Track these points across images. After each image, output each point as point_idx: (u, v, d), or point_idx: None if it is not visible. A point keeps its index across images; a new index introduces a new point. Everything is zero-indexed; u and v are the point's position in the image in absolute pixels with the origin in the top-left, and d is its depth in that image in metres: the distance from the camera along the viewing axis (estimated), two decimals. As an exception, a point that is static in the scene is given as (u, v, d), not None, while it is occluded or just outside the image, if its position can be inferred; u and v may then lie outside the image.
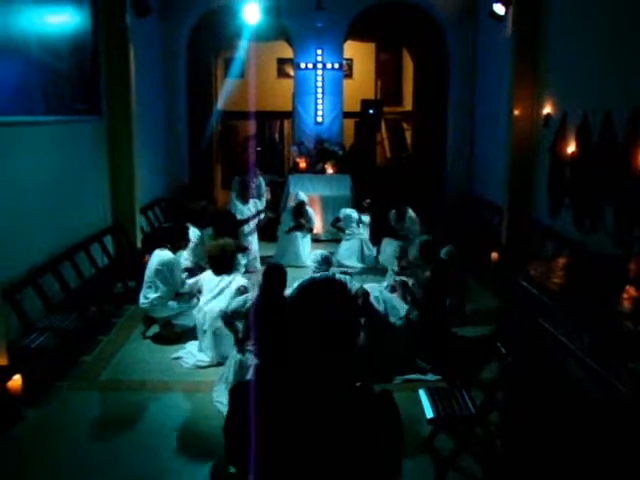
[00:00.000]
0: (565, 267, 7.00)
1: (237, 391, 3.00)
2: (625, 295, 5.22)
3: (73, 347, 6.94)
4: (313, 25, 13.44)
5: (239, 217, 9.98)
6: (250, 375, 5.61)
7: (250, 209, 10.39)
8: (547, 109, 9.42)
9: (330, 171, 13.52)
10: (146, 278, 7.51)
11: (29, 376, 5.66)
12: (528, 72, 9.93)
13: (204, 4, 13.57)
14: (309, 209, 11.14)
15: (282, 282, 5.94)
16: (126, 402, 6.03)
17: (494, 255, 9.85)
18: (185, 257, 8.35)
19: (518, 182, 10.10)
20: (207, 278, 7.11)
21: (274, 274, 5.92)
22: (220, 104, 15.89)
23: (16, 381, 5.49)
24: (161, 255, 7.50)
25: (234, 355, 5.93)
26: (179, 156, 14.04)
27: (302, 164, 13.79)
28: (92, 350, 7.18)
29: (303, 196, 11.15)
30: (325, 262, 6.97)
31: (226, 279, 6.94)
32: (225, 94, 15.99)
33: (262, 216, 10.57)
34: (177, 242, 7.87)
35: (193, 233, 8.55)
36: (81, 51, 8.79)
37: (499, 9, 11.13)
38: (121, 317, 8.25)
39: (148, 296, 7.42)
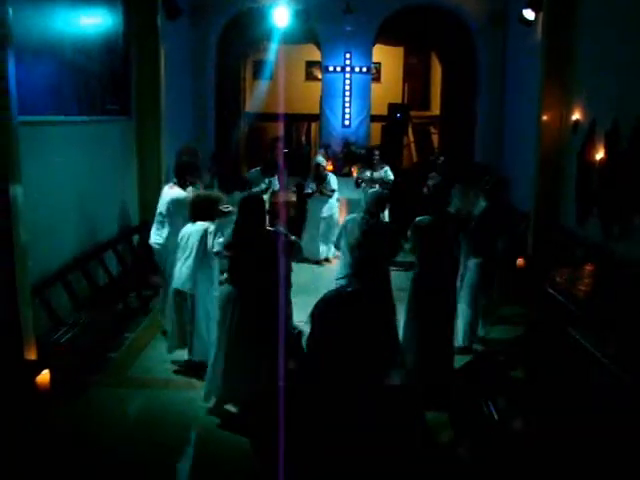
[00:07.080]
0: (592, 274, 6.96)
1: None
2: (653, 304, 5.17)
3: (100, 344, 7.05)
4: (342, 29, 13.50)
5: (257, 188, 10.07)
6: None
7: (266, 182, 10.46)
8: (576, 115, 9.34)
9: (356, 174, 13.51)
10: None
11: (57, 371, 5.74)
12: (557, 78, 9.84)
13: (234, 7, 13.70)
14: (330, 175, 11.04)
15: (259, 213, 5.62)
16: (151, 400, 6.12)
17: (520, 261, 9.77)
18: None
19: (545, 188, 10.00)
20: None
21: (250, 204, 5.64)
22: (248, 106, 15.99)
23: (44, 376, 5.57)
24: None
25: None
26: (206, 157, 14.13)
27: (329, 167, 13.81)
28: (119, 347, 7.28)
29: (320, 159, 11.14)
30: (380, 203, 6.51)
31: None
32: (254, 96, 16.12)
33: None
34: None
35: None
36: (112, 52, 8.93)
37: (529, 14, 11.07)
38: (147, 315, 8.34)
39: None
